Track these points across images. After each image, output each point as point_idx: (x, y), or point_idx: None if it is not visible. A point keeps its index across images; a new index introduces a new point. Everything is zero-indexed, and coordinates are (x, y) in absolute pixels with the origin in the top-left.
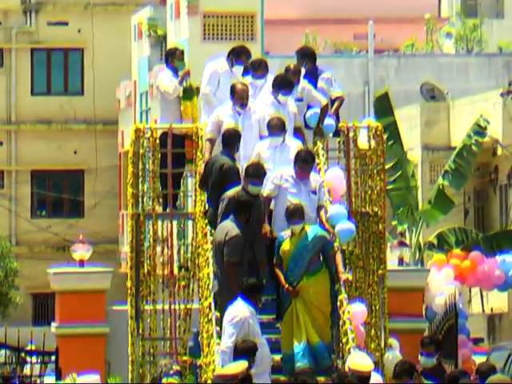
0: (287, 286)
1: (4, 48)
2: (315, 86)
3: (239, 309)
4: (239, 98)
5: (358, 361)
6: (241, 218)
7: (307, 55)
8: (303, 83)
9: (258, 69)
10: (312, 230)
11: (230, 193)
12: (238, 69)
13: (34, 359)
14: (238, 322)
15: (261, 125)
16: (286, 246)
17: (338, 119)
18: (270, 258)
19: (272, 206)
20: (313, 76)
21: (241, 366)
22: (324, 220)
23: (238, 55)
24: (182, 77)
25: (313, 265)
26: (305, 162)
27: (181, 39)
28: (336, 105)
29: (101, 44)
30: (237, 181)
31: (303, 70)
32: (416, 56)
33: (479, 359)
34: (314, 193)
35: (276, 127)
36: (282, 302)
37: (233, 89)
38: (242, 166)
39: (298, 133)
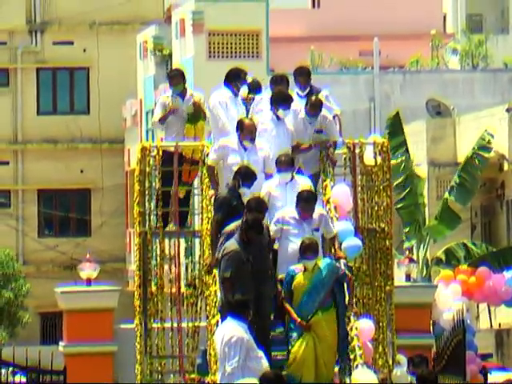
0: (299, 320)
1: (10, 68)
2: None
3: (233, 328)
4: (249, 132)
5: (361, 378)
6: (242, 236)
7: (304, 74)
8: (326, 114)
9: (279, 84)
10: (325, 264)
11: (230, 228)
12: (245, 88)
13: (18, 378)
14: (237, 341)
15: (266, 162)
16: (299, 280)
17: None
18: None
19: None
20: (310, 94)
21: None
22: (337, 250)
23: (238, 77)
24: (165, 115)
25: (326, 300)
26: (307, 202)
27: (186, 57)
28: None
29: (106, 63)
30: (220, 212)
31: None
32: (421, 72)
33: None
34: (317, 230)
35: (285, 163)
36: (290, 336)
37: (240, 124)
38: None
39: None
